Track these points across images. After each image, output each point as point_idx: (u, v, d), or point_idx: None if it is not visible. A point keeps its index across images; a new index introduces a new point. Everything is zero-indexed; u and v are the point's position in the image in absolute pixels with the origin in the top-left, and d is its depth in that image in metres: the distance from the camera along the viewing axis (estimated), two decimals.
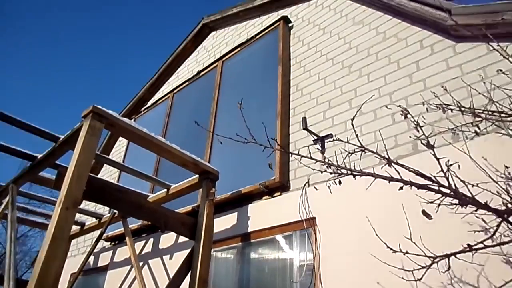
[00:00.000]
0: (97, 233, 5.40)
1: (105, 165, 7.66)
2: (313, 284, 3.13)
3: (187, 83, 6.51)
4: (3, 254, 15.92)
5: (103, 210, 6.09)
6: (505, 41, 2.85)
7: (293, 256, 3.49)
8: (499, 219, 1.86)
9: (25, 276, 16.04)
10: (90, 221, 5.74)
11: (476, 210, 1.76)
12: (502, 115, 2.47)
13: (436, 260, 1.74)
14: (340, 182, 1.90)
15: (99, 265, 5.89)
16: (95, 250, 5.93)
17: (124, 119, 3.29)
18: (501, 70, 2.54)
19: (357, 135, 1.92)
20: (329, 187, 2.15)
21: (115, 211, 4.95)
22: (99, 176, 7.18)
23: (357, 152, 1.87)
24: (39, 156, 3.88)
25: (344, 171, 1.78)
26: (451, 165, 1.69)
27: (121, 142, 7.67)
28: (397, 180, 1.69)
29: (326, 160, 1.84)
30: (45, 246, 2.49)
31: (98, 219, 5.46)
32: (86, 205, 6.53)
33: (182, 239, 4.60)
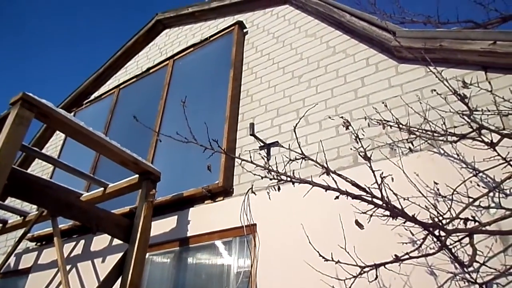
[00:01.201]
0: (20, 232, 4.96)
1: (36, 160, 7.10)
2: None
3: (135, 79, 6.25)
4: None
5: (30, 207, 5.62)
6: (442, 66, 3.06)
7: (231, 263, 3.43)
8: (425, 232, 1.95)
9: None
10: (14, 218, 5.25)
11: (404, 222, 1.84)
12: (435, 134, 2.63)
13: (365, 269, 1.78)
14: (279, 189, 1.90)
15: (20, 267, 5.40)
16: (17, 251, 5.45)
17: (59, 110, 3.06)
18: (435, 90, 2.71)
19: (299, 143, 1.94)
20: (268, 193, 2.13)
21: (43, 209, 4.58)
22: (29, 170, 6.64)
23: (298, 160, 1.88)
24: None
25: (284, 177, 1.77)
26: (385, 177, 1.75)
27: (58, 136, 7.16)
28: (334, 189, 1.72)
29: (267, 166, 1.82)
30: None
31: (22, 217, 5.01)
32: (11, 201, 5.99)
33: (117, 241, 4.35)
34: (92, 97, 7.17)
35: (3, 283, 5.50)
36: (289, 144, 2.13)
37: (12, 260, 5.53)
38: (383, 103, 3.13)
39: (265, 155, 3.74)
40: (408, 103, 3.10)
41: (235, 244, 3.51)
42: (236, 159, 3.79)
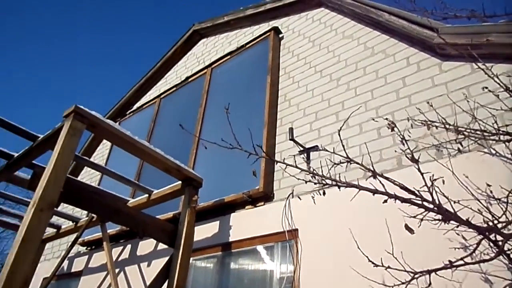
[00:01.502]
0: (73, 237, 5.24)
1: (85, 168, 7.50)
2: None
3: (175, 88, 6.46)
4: None
5: (81, 213, 5.93)
6: (489, 61, 2.90)
7: (274, 268, 3.43)
8: (479, 237, 1.86)
9: None
10: (66, 224, 5.56)
11: (457, 227, 1.76)
12: (485, 133, 2.50)
13: (416, 276, 1.72)
14: (324, 193, 1.88)
15: (73, 270, 5.70)
16: (70, 255, 5.75)
17: (107, 120, 3.22)
18: (486, 88, 2.58)
19: (343, 146, 1.91)
20: (313, 197, 2.12)
21: (93, 215, 4.81)
22: (79, 178, 7.00)
23: (342, 163, 1.86)
24: (16, 154, 3.75)
25: (329, 181, 1.75)
26: (435, 180, 1.69)
27: (105, 145, 7.52)
28: (382, 193, 1.68)
29: (312, 170, 1.81)
30: (14, 249, 2.38)
31: (74, 223, 5.30)
32: (63, 207, 6.35)
33: (162, 246, 4.49)
34: (135, 107, 7.47)
35: (58, 285, 5.83)
36: (333, 148, 2.10)
37: (65, 263, 5.85)
38: (428, 103, 3.02)
39: (305, 159, 3.72)
40: (455, 101, 2.97)
41: (277, 249, 3.51)
42: (279, 164, 3.80)
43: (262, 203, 3.83)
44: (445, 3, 4.14)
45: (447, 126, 2.67)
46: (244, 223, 3.85)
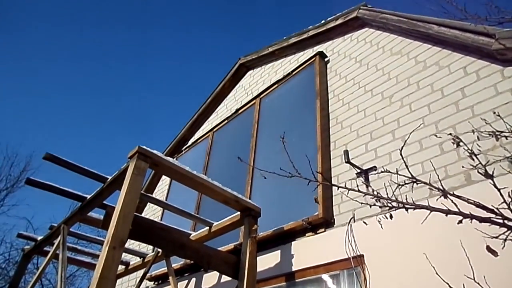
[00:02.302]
0: (141, 272, 5.44)
1: (148, 204, 7.85)
2: None
3: (226, 121, 6.67)
4: None
5: (146, 249, 6.16)
6: None
7: None
8: None
9: None
10: (134, 260, 5.81)
11: None
12: None
13: None
14: (391, 216, 1.79)
15: None
16: None
17: (168, 158, 3.39)
18: None
19: (406, 166, 1.83)
20: (379, 221, 2.03)
21: (158, 250, 4.98)
22: (142, 214, 7.34)
23: (407, 184, 1.78)
24: (88, 197, 4.04)
25: (395, 204, 1.68)
26: None
27: (164, 181, 7.87)
28: (456, 213, 1.57)
29: (375, 193, 1.75)
30: (93, 286, 2.53)
31: (142, 258, 5.51)
32: (130, 244, 6.65)
33: (225, 278, 4.50)
34: (190, 142, 7.79)
35: None
36: (396, 169, 2.02)
37: None
38: (494, 112, 2.82)
39: (364, 181, 3.61)
40: None
41: (343, 277, 3.38)
42: (339, 189, 3.71)
43: (323, 229, 3.74)
44: (499, 7, 3.93)
45: None
46: (306, 251, 3.77)
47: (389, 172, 1.82)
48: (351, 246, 3.34)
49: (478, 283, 1.95)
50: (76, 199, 4.17)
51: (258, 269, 3.84)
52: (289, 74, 5.52)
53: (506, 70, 3.11)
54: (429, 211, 1.62)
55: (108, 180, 3.68)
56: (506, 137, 2.54)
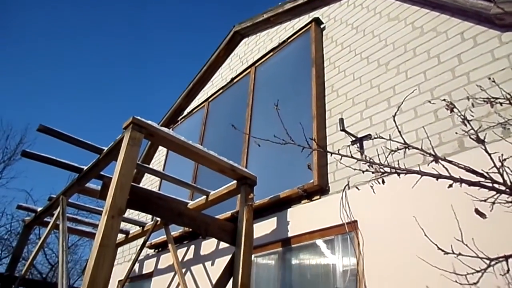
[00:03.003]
0: (141, 241, 5.57)
1: (145, 175, 7.92)
2: None
3: (221, 90, 6.61)
4: (56, 263, 16.80)
5: (146, 218, 6.28)
6: None
7: (336, 261, 3.40)
8: None
9: (77, 283, 16.81)
10: (134, 229, 5.93)
11: None
12: None
13: (493, 262, 1.62)
14: (383, 182, 1.83)
15: (144, 272, 6.06)
16: (140, 258, 6.11)
17: (163, 128, 3.38)
18: None
19: (400, 132, 1.84)
20: (371, 187, 2.07)
21: (157, 218, 5.08)
22: (140, 185, 7.41)
23: (400, 150, 1.79)
24: (85, 168, 4.07)
25: (387, 169, 1.70)
26: (505, 160, 1.58)
27: (160, 152, 7.89)
28: (446, 178, 1.60)
29: (368, 159, 1.77)
30: (93, 254, 2.59)
31: (141, 227, 5.63)
32: (129, 214, 6.76)
33: (223, 245, 4.63)
34: (185, 112, 7.75)
35: (132, 287, 6.23)
36: (389, 135, 2.04)
37: (136, 266, 6.24)
38: (489, 78, 2.82)
39: (359, 149, 3.64)
40: None
41: (337, 242, 3.48)
42: (333, 156, 3.76)
43: (318, 196, 3.81)
44: None
45: None
46: (302, 218, 3.86)
47: (382, 138, 1.83)
48: (345, 212, 3.42)
49: (466, 245, 2.02)
50: (73, 170, 4.20)
51: (255, 236, 3.94)
52: (284, 41, 5.42)
53: (504, 36, 3.07)
54: (420, 176, 1.65)
55: (104, 151, 3.69)
56: (501, 103, 2.54)
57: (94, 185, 4.41)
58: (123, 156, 3.02)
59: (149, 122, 3.28)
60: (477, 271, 1.85)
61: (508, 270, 1.56)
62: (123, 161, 3.00)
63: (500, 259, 1.56)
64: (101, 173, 3.98)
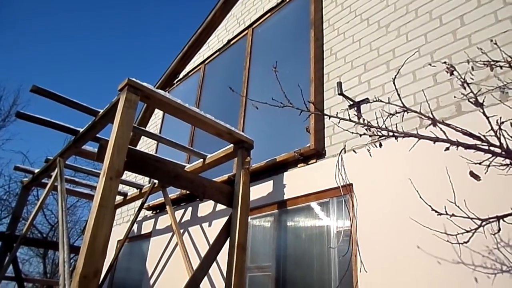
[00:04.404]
0: (139, 202, 5.66)
1: (142, 138, 7.91)
2: (350, 250, 3.14)
3: (218, 53, 6.47)
4: (55, 223, 17.15)
5: (143, 181, 6.34)
6: None
7: (330, 223, 3.49)
8: None
9: (77, 243, 17.27)
10: (132, 191, 6.00)
11: None
12: None
13: (484, 223, 1.67)
14: (381, 145, 1.83)
15: (142, 232, 6.21)
16: (138, 219, 6.25)
17: (159, 90, 3.33)
18: None
19: (399, 95, 1.83)
20: (368, 150, 2.08)
21: (155, 181, 5.14)
22: (137, 148, 7.42)
23: (398, 113, 1.79)
24: (81, 130, 4.04)
25: (385, 132, 1.70)
26: (502, 123, 1.58)
27: (157, 115, 7.84)
28: (443, 141, 1.60)
29: (366, 123, 1.77)
30: (92, 215, 2.64)
31: (139, 189, 5.70)
32: (127, 176, 6.83)
33: (220, 207, 4.72)
34: (181, 75, 7.62)
35: (131, 246, 6.41)
36: (387, 98, 2.02)
37: (135, 227, 6.38)
38: (491, 41, 2.76)
39: (356, 113, 3.63)
40: None
41: (332, 204, 3.55)
42: (329, 120, 3.75)
43: (314, 160, 3.84)
44: None
45: None
46: (298, 181, 3.91)
47: (381, 101, 1.82)
48: (341, 175, 3.46)
49: (459, 207, 2.07)
50: (69, 132, 4.18)
51: (252, 198, 4.01)
52: (283, 1, 5.24)
53: None
54: (417, 139, 1.66)
55: (100, 113, 3.65)
56: (501, 66, 2.51)
57: (90, 147, 4.40)
58: (119, 118, 2.99)
59: (145, 84, 3.22)
60: (468, 231, 1.91)
61: (499, 230, 1.61)
62: (120, 123, 2.98)
63: (492, 220, 1.61)
64: (98, 135, 3.96)
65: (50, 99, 3.68)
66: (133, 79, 3.15)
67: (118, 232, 6.52)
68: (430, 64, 2.41)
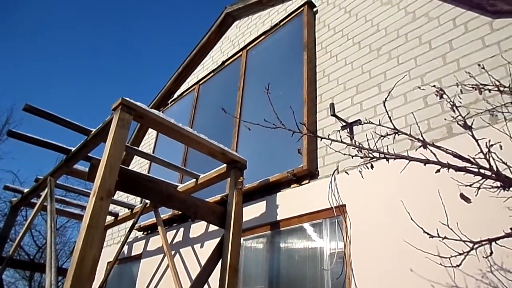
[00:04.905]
0: (130, 223, 5.57)
1: (134, 158, 7.86)
2: (344, 272, 3.10)
3: (212, 73, 6.53)
4: (43, 244, 16.75)
5: (135, 201, 6.26)
6: None
7: (323, 244, 3.46)
8: None
9: (66, 265, 16.82)
10: (123, 211, 5.92)
11: None
12: None
13: (476, 246, 1.66)
14: (372, 166, 1.84)
15: (133, 254, 6.08)
16: (129, 240, 6.13)
17: (152, 110, 3.34)
18: None
19: (390, 117, 1.85)
20: (360, 172, 2.09)
21: (146, 201, 5.07)
22: (129, 168, 7.36)
23: (389, 135, 1.80)
24: (73, 149, 4.01)
25: (376, 154, 1.72)
26: (491, 145, 1.60)
27: (150, 135, 7.83)
28: (434, 163, 1.62)
29: (357, 144, 1.78)
30: (81, 235, 2.58)
31: (130, 210, 5.62)
32: (118, 196, 6.75)
33: (212, 228, 4.66)
34: (175, 95, 7.66)
35: (121, 268, 6.26)
36: (378, 120, 2.05)
37: (125, 248, 6.26)
38: (478, 65, 2.83)
39: (349, 134, 3.66)
40: (509, 61, 2.76)
41: (325, 225, 3.52)
42: (322, 141, 3.77)
43: (307, 181, 3.84)
44: None
45: (502, 88, 2.49)
46: (291, 202, 3.89)
47: (372, 123, 1.84)
48: (334, 196, 3.45)
49: (451, 229, 2.06)
50: (60, 152, 4.14)
51: (244, 219, 3.97)
52: (276, 25, 5.35)
53: (495, 22, 3.07)
54: (408, 161, 1.67)
55: (92, 132, 3.64)
56: (489, 90, 2.57)
57: (82, 167, 4.36)
58: (112, 138, 2.98)
59: (138, 103, 3.23)
60: (460, 254, 1.90)
61: (492, 253, 1.61)
62: (112, 142, 2.96)
63: (484, 242, 1.61)
64: (89, 155, 3.94)
65: (42, 118, 3.67)
66: (127, 99, 3.16)
67: (108, 253, 6.38)
68: (419, 87, 2.45)
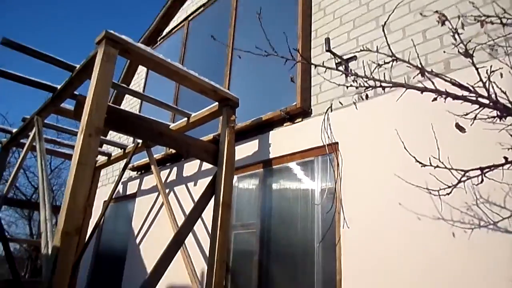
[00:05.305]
0: (123, 163, 5.59)
1: (125, 99, 7.70)
2: (334, 206, 3.17)
3: (202, 8, 6.18)
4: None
5: (127, 141, 6.24)
6: None
7: (315, 181, 3.51)
8: None
9: None
10: (116, 152, 5.91)
11: None
12: None
13: (467, 174, 1.67)
14: (367, 97, 1.78)
15: (128, 192, 6.19)
16: (123, 180, 6.20)
17: (139, 44, 3.17)
18: None
19: (388, 45, 1.75)
20: (354, 103, 2.03)
21: (138, 140, 5.04)
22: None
23: (387, 63, 1.71)
24: (59, 86, 3.87)
25: (372, 83, 1.64)
26: (492, 72, 1.53)
27: (140, 75, 7.60)
28: (431, 91, 1.56)
29: (353, 72, 1.70)
30: (72, 172, 2.57)
31: (123, 150, 5.61)
32: (112, 137, 6.71)
33: (205, 167, 4.70)
34: (164, 33, 7.32)
35: (117, 206, 6.40)
36: (377, 46, 1.94)
37: (120, 187, 6.35)
38: None
39: (344, 71, 3.54)
40: None
41: (317, 163, 3.55)
42: (316, 78, 3.66)
43: (300, 119, 3.80)
44: None
45: (504, 20, 2.36)
46: (283, 140, 3.88)
47: (370, 50, 1.74)
48: (327, 134, 3.44)
49: (442, 162, 2.07)
50: (46, 89, 4.00)
51: (237, 157, 3.98)
52: None
53: None
54: (404, 89, 1.61)
55: (77, 68, 3.48)
56: (492, 22, 2.43)
57: (70, 106, 4.25)
58: (97, 73, 2.85)
59: (124, 37, 3.06)
60: (449, 187, 1.92)
61: (482, 181, 1.61)
62: (98, 78, 2.84)
63: (475, 172, 1.61)
64: (76, 92, 3.81)
65: (23, 53, 3.47)
66: (111, 31, 2.98)
67: (103, 193, 6.48)
68: (421, 14, 2.32)
